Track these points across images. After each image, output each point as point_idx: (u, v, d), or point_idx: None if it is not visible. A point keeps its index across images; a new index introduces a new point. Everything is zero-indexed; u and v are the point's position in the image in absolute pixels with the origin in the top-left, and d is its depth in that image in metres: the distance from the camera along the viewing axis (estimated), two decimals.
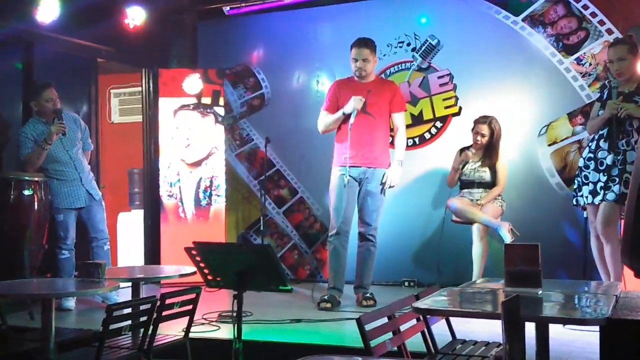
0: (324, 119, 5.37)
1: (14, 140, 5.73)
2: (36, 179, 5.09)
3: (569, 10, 5.86)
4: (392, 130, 5.41)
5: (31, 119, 5.42)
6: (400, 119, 5.34)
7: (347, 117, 5.19)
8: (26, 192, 5.02)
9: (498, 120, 5.58)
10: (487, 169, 5.56)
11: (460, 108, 6.23)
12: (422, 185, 6.31)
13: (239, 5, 6.93)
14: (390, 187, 5.26)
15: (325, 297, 5.11)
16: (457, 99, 6.26)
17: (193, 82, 6.68)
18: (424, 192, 6.28)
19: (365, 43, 5.20)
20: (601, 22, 5.74)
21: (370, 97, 5.18)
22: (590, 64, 5.79)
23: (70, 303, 5.27)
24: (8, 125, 5.99)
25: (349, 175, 5.15)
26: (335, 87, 5.42)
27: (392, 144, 5.39)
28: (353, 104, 5.12)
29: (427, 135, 6.37)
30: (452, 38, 6.27)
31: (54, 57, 6.13)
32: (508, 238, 5.19)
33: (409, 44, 6.43)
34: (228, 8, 7.00)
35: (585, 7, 5.79)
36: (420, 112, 6.38)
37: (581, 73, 5.81)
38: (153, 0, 6.41)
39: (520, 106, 6.03)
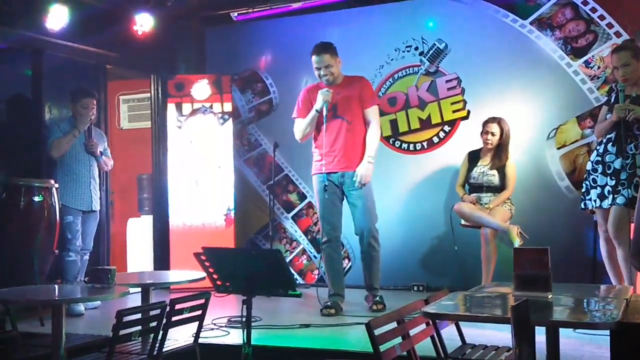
0: (299, 125, 5.29)
1: (25, 147, 5.77)
2: (46, 185, 5.12)
3: (577, 13, 5.85)
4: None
5: (68, 117, 5.77)
6: (372, 114, 5.21)
7: (320, 119, 5.13)
8: (36, 198, 5.04)
9: (507, 121, 5.59)
10: (495, 173, 5.54)
11: (469, 112, 6.22)
12: (431, 189, 6.30)
13: (246, 11, 6.94)
14: (362, 185, 5.09)
15: (329, 303, 5.08)
16: (465, 102, 6.25)
17: (202, 88, 6.70)
18: (433, 196, 6.26)
19: (323, 48, 5.13)
20: (609, 25, 5.72)
21: (341, 100, 5.13)
22: (598, 67, 5.77)
23: (81, 308, 5.30)
24: (18, 131, 6.02)
25: (329, 180, 5.13)
26: (305, 93, 5.34)
27: None
28: (322, 97, 5.07)
29: (436, 139, 6.36)
30: (460, 42, 6.26)
31: (63, 64, 6.16)
32: (517, 241, 5.16)
33: (416, 48, 6.43)
34: (236, 14, 7.00)
35: (594, 9, 5.77)
36: (429, 116, 6.38)
37: (590, 76, 5.80)
38: (161, 7, 6.44)
39: (528, 109, 6.01)
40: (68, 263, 5.39)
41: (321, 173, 5.17)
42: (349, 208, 5.21)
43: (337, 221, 5.21)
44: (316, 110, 5.13)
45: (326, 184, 5.12)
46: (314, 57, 5.15)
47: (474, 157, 5.72)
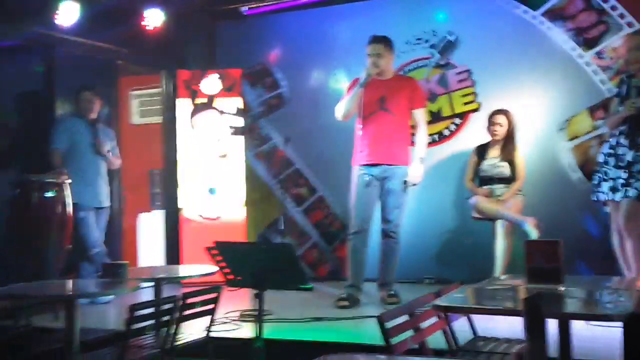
0: (342, 100, 5.28)
1: (36, 144, 5.81)
2: (58, 180, 5.16)
3: (589, 3, 5.80)
4: (413, 127, 5.37)
5: (73, 114, 5.85)
6: (420, 116, 5.31)
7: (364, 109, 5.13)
8: (49, 194, 5.07)
9: (512, 113, 5.57)
10: (506, 164, 5.53)
11: (480, 104, 6.20)
12: (441, 182, 6.28)
13: (256, 5, 6.95)
14: (413, 185, 5.22)
15: (344, 295, 5.09)
16: (476, 95, 6.23)
17: (212, 83, 6.71)
18: (444, 189, 6.25)
19: (378, 39, 5.17)
20: (621, 15, 5.67)
21: (390, 94, 5.15)
22: (610, 58, 5.72)
23: (108, 297, 5.37)
24: (30, 128, 6.06)
25: (370, 174, 5.14)
26: (354, 82, 5.37)
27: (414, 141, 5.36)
28: (365, 70, 5.08)
29: (446, 132, 6.35)
30: (470, 34, 6.23)
31: (75, 60, 6.19)
32: (534, 233, 5.15)
33: (427, 41, 6.41)
34: (245, 8, 7.02)
35: (605, 0, 5.73)
36: (439, 109, 6.36)
37: (602, 67, 5.76)
38: (171, 2, 6.45)
39: (540, 101, 5.98)
40: (94, 257, 5.53)
41: (364, 165, 5.17)
42: (381, 199, 5.22)
43: (370, 214, 5.21)
44: (360, 85, 5.12)
45: (368, 178, 5.12)
46: (368, 46, 5.16)
47: (482, 151, 5.70)
